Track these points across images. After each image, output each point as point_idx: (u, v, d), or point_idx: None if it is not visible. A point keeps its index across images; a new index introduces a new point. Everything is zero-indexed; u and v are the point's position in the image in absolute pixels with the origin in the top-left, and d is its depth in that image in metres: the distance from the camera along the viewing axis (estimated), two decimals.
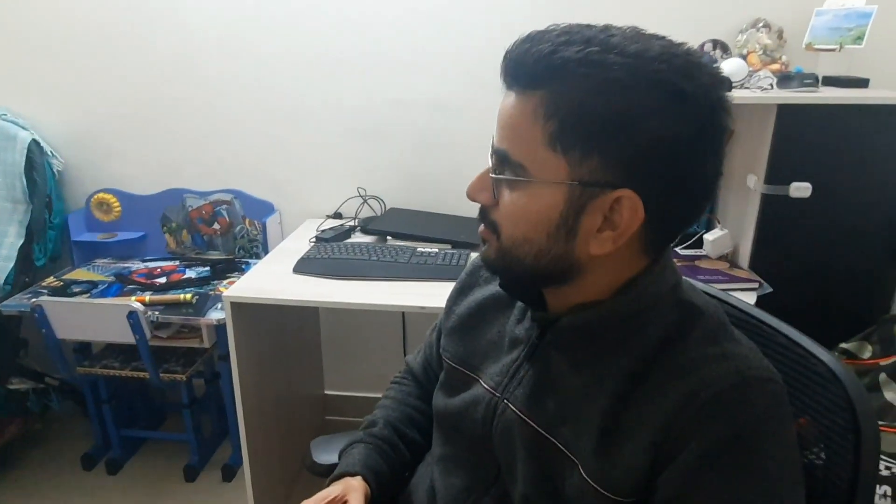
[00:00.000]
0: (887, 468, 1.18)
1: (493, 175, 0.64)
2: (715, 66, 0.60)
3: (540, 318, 0.72)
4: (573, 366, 0.68)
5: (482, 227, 0.68)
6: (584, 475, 0.63)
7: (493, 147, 0.64)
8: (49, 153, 2.04)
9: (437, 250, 1.70)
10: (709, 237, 1.60)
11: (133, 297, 1.78)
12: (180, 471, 2.05)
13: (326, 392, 2.31)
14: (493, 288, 0.81)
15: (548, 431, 0.67)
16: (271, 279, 1.59)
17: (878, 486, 1.18)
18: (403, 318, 2.09)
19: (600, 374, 0.65)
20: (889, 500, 1.17)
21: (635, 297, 0.64)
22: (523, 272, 0.65)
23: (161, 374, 1.88)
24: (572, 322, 0.67)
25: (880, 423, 1.20)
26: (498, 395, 0.74)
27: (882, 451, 1.19)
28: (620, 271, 0.65)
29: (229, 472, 2.05)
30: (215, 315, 1.74)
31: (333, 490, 0.81)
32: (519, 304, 0.78)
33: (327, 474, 0.90)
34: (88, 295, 1.84)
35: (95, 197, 2.11)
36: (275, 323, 1.81)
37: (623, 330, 0.65)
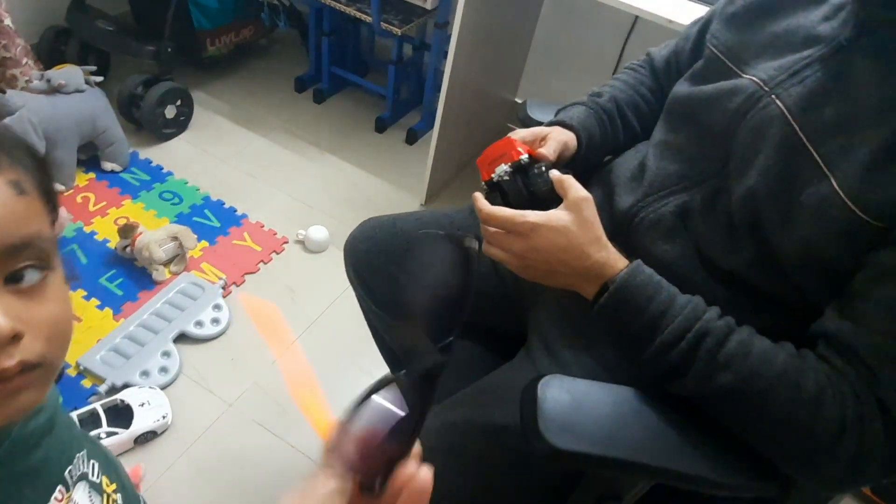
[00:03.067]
0: None
1: None
2: None
3: (866, 16, 0.62)
4: (882, 77, 0.61)
5: None
6: (837, 188, 0.60)
7: None
8: None
9: None
10: None
11: None
12: (372, 120, 2.25)
13: (516, 99, 2.32)
14: None
15: (810, 138, 0.63)
16: None
17: None
18: (631, 30, 1.91)
19: None
20: None
21: None
22: None
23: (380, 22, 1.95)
24: None
25: None
26: (767, 89, 0.68)
27: None
28: None
29: (412, 135, 2.21)
30: None
31: (543, 129, 0.84)
32: (833, 1, 0.68)
33: None
34: None
35: None
36: (498, 6, 1.76)
37: None
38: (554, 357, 0.77)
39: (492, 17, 1.76)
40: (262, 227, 1.84)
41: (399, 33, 1.95)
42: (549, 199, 0.72)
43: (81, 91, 1.76)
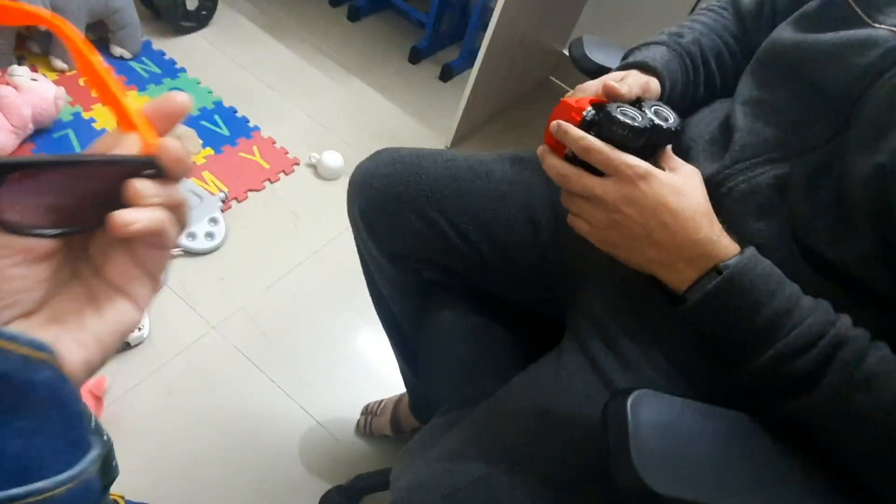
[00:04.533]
0: None
1: None
2: None
3: None
4: None
5: None
6: None
7: None
8: None
9: None
10: None
11: None
12: (407, 49, 2.08)
13: (564, 51, 2.15)
14: None
15: None
16: None
17: None
18: None
19: None
20: None
21: None
22: None
23: None
24: None
25: None
26: None
27: None
28: None
29: (447, 72, 2.05)
30: None
31: (614, 75, 0.69)
32: None
33: (594, 76, 0.78)
34: None
35: None
36: None
37: None
38: (619, 356, 0.65)
39: None
40: (274, 143, 1.70)
41: None
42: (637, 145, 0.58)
43: None
